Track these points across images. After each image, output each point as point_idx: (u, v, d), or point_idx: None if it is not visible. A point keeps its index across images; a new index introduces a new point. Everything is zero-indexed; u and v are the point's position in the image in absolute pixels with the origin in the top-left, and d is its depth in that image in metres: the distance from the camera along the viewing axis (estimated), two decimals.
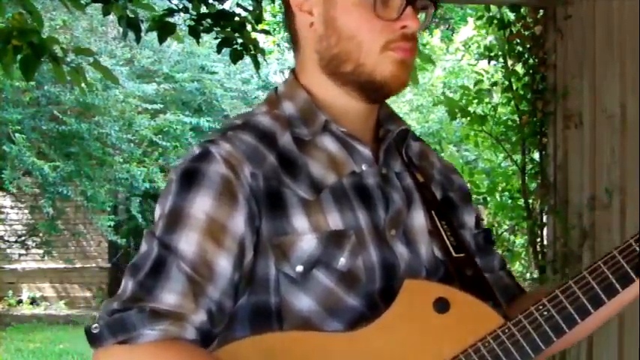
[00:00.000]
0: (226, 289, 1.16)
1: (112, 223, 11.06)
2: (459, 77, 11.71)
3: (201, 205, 1.17)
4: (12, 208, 12.45)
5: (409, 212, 1.28)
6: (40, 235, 11.57)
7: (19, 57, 3.00)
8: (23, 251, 12.24)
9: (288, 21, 1.30)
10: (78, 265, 12.60)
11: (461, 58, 11.99)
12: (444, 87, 12.31)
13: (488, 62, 4.82)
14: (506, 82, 4.49)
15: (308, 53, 1.28)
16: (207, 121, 11.67)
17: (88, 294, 12.62)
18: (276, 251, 1.19)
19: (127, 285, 1.14)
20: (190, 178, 1.19)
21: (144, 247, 1.18)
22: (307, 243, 1.19)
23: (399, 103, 13.00)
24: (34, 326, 10.68)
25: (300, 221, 1.19)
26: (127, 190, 11.35)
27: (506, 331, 1.17)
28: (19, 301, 12.40)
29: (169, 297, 1.12)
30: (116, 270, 12.96)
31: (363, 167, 1.26)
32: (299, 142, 1.24)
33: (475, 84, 4.94)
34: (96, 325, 1.11)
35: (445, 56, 12.99)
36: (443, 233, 1.28)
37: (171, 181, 1.21)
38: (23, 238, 11.98)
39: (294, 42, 1.30)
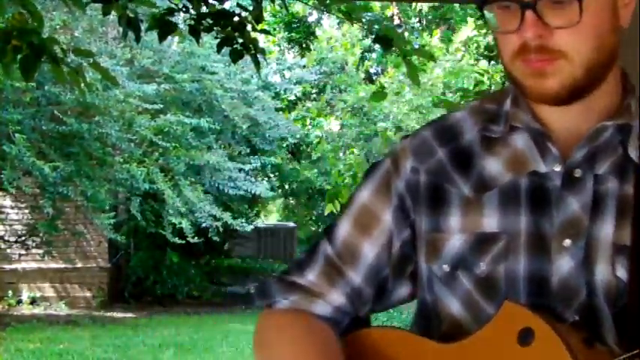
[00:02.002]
0: (369, 275, 1.21)
1: (112, 222, 11.05)
2: (459, 77, 11.71)
3: (363, 195, 1.23)
4: (12, 208, 12.44)
5: (593, 222, 1.11)
6: (40, 235, 11.56)
7: (19, 57, 3.00)
8: (23, 251, 12.23)
9: None
10: (78, 265, 12.59)
11: (461, 58, 11.99)
12: (444, 87, 12.31)
13: (489, 62, 4.81)
14: (506, 83, 4.49)
15: None
16: (208, 121, 11.66)
17: (88, 294, 12.61)
18: (428, 247, 1.18)
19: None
20: (369, 171, 1.26)
21: None
22: (455, 243, 1.16)
23: (398, 104, 13.00)
24: (34, 326, 10.67)
25: (454, 219, 1.16)
26: (127, 190, 11.35)
27: None
28: (19, 301, 12.39)
29: (310, 275, 1.23)
30: (116, 270, 12.95)
31: (556, 168, 1.13)
32: (485, 139, 1.19)
33: (475, 85, 4.94)
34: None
35: (445, 56, 13.00)
36: None
37: None
38: (23, 238, 11.97)
39: None
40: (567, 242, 1.11)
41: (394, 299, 1.25)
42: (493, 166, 1.17)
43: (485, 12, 1.13)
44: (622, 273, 1.09)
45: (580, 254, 1.10)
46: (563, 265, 1.11)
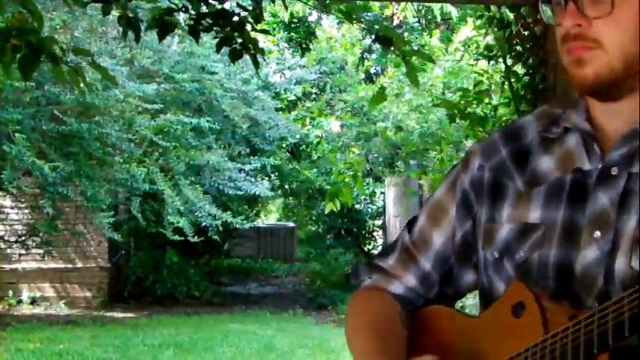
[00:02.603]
0: (436, 262, 1.40)
1: (112, 222, 11.04)
2: (459, 77, 11.70)
3: (438, 191, 1.43)
4: (12, 208, 12.44)
5: (620, 216, 1.20)
6: (40, 235, 11.56)
7: (18, 56, 2.99)
8: (23, 251, 12.23)
9: None
10: (78, 265, 12.59)
11: (460, 58, 11.98)
12: (444, 87, 12.30)
13: (488, 62, 4.81)
14: (506, 83, 4.49)
15: None
16: (208, 121, 11.65)
17: (88, 294, 12.61)
18: (484, 236, 1.33)
19: None
20: (448, 171, 1.44)
21: None
22: (504, 232, 1.30)
23: (398, 103, 12.99)
24: (34, 326, 10.67)
25: (506, 211, 1.31)
26: (127, 190, 11.34)
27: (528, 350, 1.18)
28: (19, 301, 12.39)
29: (390, 260, 1.44)
30: (116, 270, 12.95)
31: (599, 165, 1.23)
32: (544, 140, 1.32)
33: (475, 85, 4.94)
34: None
35: (445, 56, 12.99)
36: None
37: None
38: (23, 238, 11.96)
39: None
40: (597, 234, 1.21)
41: (462, 285, 1.42)
42: (546, 163, 1.30)
43: (543, 6, 1.26)
44: (636, 264, 1.17)
45: (607, 246, 1.20)
46: (589, 254, 1.21)
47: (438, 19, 14.14)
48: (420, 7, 15.54)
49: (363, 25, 4.22)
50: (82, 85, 3.43)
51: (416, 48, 4.11)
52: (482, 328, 1.29)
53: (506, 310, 1.22)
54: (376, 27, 4.10)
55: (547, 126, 1.33)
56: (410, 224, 1.45)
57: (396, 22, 14.87)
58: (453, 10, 12.64)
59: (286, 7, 4.38)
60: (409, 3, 12.35)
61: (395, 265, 1.44)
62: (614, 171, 1.22)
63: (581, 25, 1.19)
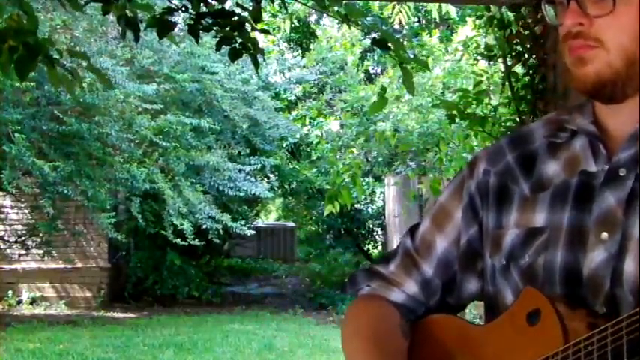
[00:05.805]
0: (439, 267, 1.35)
1: (113, 222, 11.04)
2: (459, 78, 11.70)
3: (443, 196, 1.39)
4: (12, 208, 12.44)
5: (627, 217, 1.16)
6: (40, 235, 11.56)
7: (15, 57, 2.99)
8: (23, 251, 12.23)
9: None
10: (78, 265, 12.59)
11: (459, 58, 11.98)
12: (444, 87, 12.30)
13: (488, 62, 4.81)
14: (506, 83, 4.49)
15: None
16: (208, 121, 11.65)
17: (88, 294, 12.61)
18: (492, 242, 1.29)
19: None
20: (453, 177, 1.40)
21: None
22: (510, 237, 1.26)
23: (398, 103, 12.99)
24: (34, 326, 10.67)
25: (512, 216, 1.27)
26: (127, 190, 11.33)
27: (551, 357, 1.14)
28: (19, 301, 12.39)
29: (391, 266, 1.39)
30: (116, 270, 12.95)
31: (605, 167, 1.20)
32: (551, 145, 1.29)
33: (475, 85, 4.93)
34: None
35: (444, 56, 12.99)
36: None
37: None
38: (23, 238, 11.96)
39: None
40: (604, 235, 1.17)
41: (464, 293, 1.36)
42: (552, 168, 1.27)
43: (546, 7, 1.26)
44: None
45: (615, 247, 1.15)
46: (596, 257, 1.17)
47: (437, 19, 14.12)
48: (421, 7, 15.53)
49: (360, 28, 4.21)
50: (76, 89, 3.41)
51: (412, 55, 4.09)
52: (490, 337, 1.24)
53: (518, 318, 1.17)
54: (375, 31, 4.08)
55: (554, 131, 1.30)
56: (413, 229, 1.41)
57: (396, 24, 14.87)
58: (452, 10, 12.63)
59: (286, 9, 4.37)
60: (404, 5, 12.34)
61: (396, 271, 1.39)
62: (622, 172, 1.18)
63: (582, 23, 1.18)
